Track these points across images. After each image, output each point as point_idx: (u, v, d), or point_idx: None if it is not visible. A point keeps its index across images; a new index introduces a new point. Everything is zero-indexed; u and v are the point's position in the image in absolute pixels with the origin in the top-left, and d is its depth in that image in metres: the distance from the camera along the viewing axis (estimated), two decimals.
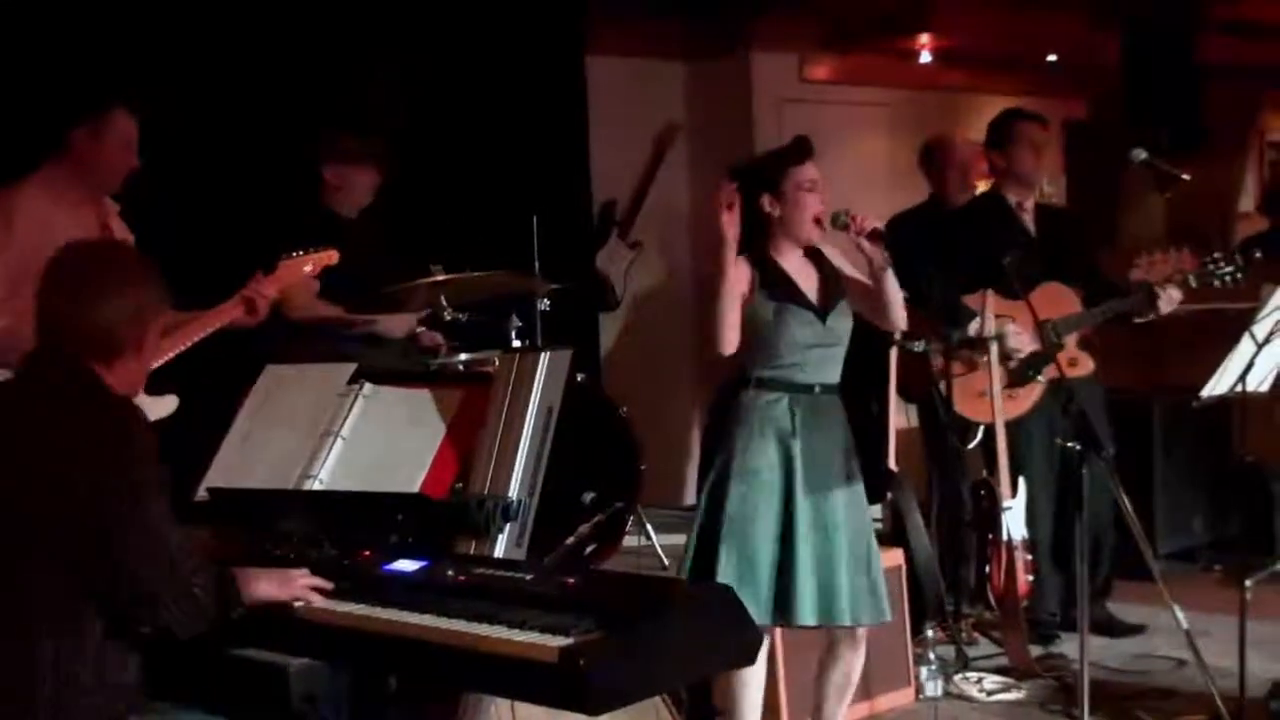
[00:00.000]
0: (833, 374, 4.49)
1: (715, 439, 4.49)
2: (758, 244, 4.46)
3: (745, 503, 4.35)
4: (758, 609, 4.27)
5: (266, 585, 3.21)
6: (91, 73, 5.88)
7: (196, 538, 3.46)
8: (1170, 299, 5.81)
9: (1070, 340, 5.98)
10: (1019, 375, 5.77)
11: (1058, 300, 5.96)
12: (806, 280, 4.48)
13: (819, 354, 4.44)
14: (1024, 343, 5.81)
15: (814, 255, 4.54)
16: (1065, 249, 6.14)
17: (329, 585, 3.27)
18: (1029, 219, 6.21)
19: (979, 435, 5.86)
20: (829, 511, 4.39)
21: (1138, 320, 5.94)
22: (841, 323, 4.49)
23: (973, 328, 5.76)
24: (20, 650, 2.91)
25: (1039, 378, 5.85)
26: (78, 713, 2.92)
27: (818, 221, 4.43)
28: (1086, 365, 6.06)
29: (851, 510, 4.45)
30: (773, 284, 4.41)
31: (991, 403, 5.72)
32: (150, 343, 3.14)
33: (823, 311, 4.43)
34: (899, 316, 4.52)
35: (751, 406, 4.41)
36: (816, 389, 4.44)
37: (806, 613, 4.32)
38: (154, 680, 3.17)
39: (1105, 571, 6.26)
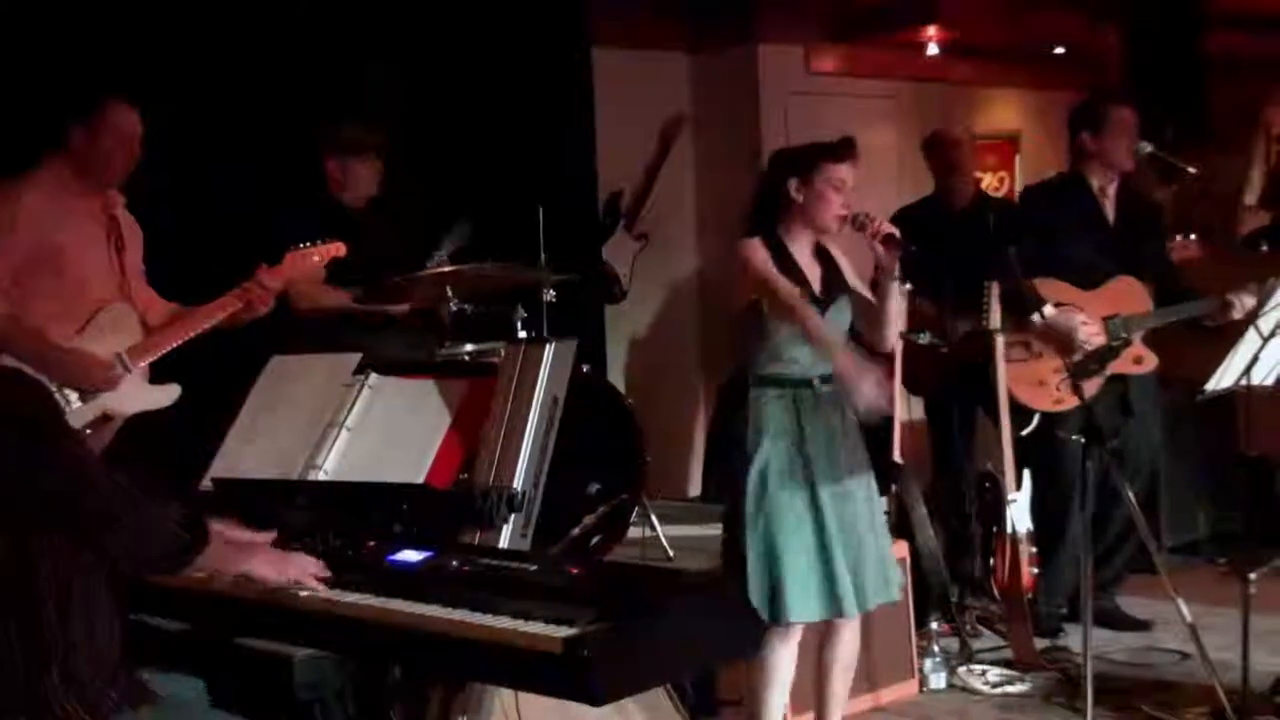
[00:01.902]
0: (828, 365, 4.49)
1: (724, 438, 4.48)
2: (773, 227, 4.46)
3: (766, 501, 4.34)
4: (810, 607, 4.32)
5: (265, 562, 3.22)
6: (92, 66, 5.88)
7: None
8: (1244, 306, 5.71)
9: (1138, 337, 5.91)
10: (1082, 369, 5.67)
11: (1130, 296, 5.92)
12: (812, 272, 4.49)
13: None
14: (1093, 336, 5.77)
15: (821, 253, 4.54)
16: (1143, 241, 6.08)
17: (328, 573, 3.27)
18: (1110, 206, 6.10)
19: (1034, 422, 5.83)
20: (850, 502, 4.41)
21: (1208, 324, 5.88)
22: (840, 318, 4.49)
23: (1043, 314, 5.73)
24: None
25: (1102, 373, 5.79)
26: (55, 695, 2.91)
27: (839, 219, 4.42)
28: (1152, 362, 6.00)
29: (868, 497, 4.49)
30: (784, 274, 4.39)
31: (996, 393, 5.72)
32: None
33: (824, 303, 4.44)
34: (893, 337, 4.57)
35: (756, 405, 4.41)
36: (815, 382, 4.45)
37: (851, 604, 4.36)
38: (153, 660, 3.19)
39: (1121, 563, 6.25)
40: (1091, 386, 5.78)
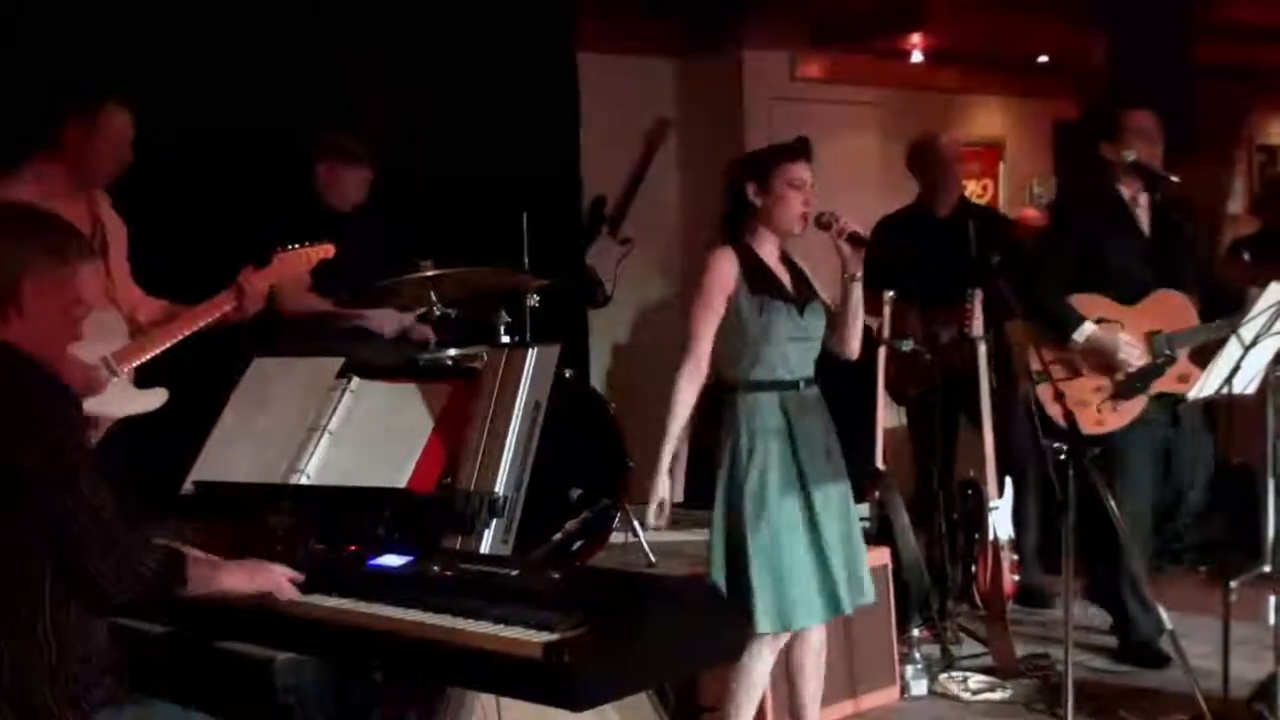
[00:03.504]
0: (811, 368, 4.50)
1: (714, 446, 4.45)
2: (740, 234, 4.46)
3: (765, 507, 4.32)
4: (815, 608, 4.32)
5: (237, 577, 3.21)
6: (86, 66, 5.87)
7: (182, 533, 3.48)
8: None
9: (1183, 354, 5.65)
10: (1126, 389, 5.55)
11: (1173, 311, 5.67)
12: (783, 275, 4.49)
13: (799, 348, 4.45)
14: (1133, 354, 5.58)
15: (786, 260, 4.54)
16: (1181, 251, 5.81)
17: (300, 576, 3.27)
18: (1144, 215, 5.85)
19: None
20: (829, 503, 4.41)
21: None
22: (816, 320, 4.49)
23: (1083, 332, 5.57)
24: None
25: (1146, 391, 5.60)
26: (43, 694, 2.92)
27: (802, 218, 4.42)
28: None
29: (846, 500, 4.48)
30: (755, 278, 4.40)
31: (980, 403, 5.73)
32: (35, 304, 3.06)
33: (800, 305, 4.44)
34: (856, 343, 4.56)
35: (746, 409, 4.39)
36: (801, 384, 4.45)
37: (847, 602, 4.37)
38: (137, 674, 3.18)
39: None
40: (1135, 405, 5.66)
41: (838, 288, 4.50)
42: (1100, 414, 5.61)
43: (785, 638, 4.45)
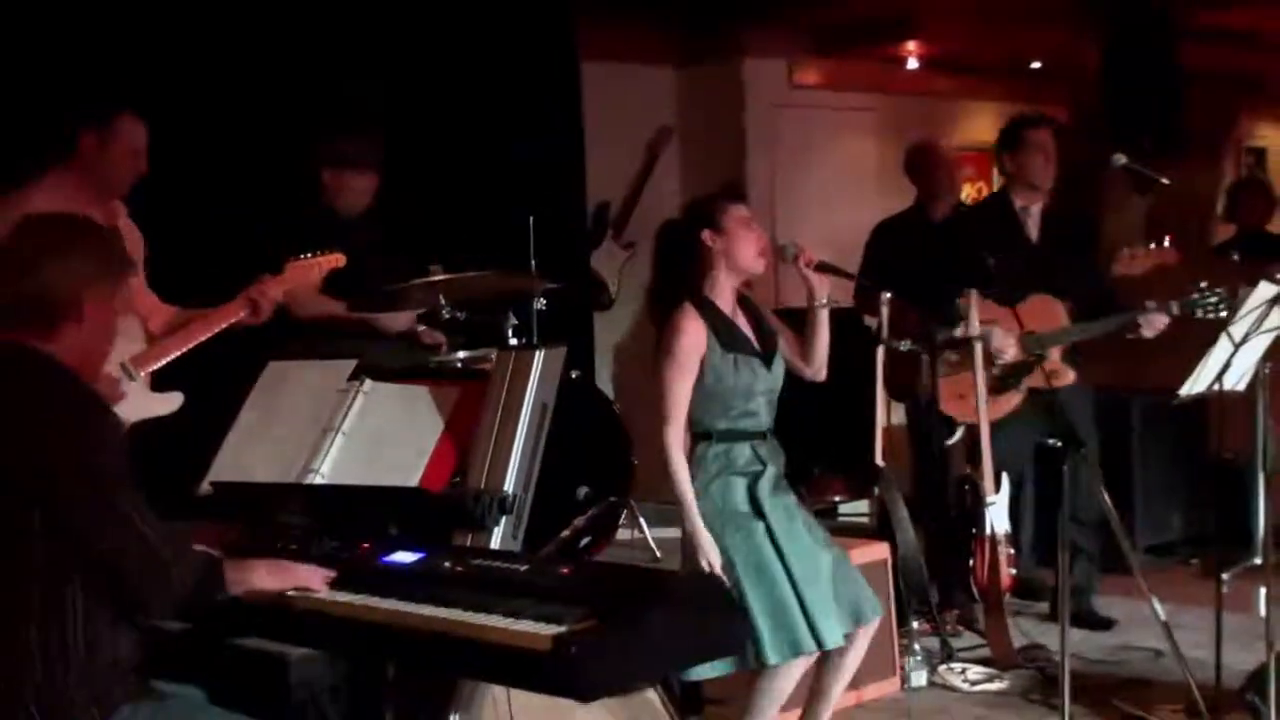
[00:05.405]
0: (772, 417, 4.51)
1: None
2: (697, 288, 4.43)
3: (750, 551, 4.31)
4: (801, 642, 4.26)
5: (266, 576, 3.27)
6: (98, 77, 5.93)
7: (194, 530, 3.53)
8: (1152, 324, 5.83)
9: (1054, 352, 5.99)
10: (999, 383, 5.83)
11: (1044, 313, 5.96)
12: (744, 327, 4.49)
13: (767, 401, 4.46)
14: (1008, 346, 5.88)
15: (743, 301, 4.54)
16: (1067, 256, 6.12)
17: (332, 574, 3.31)
18: (1033, 224, 6.18)
19: (958, 433, 5.96)
20: (806, 531, 4.42)
21: (1129, 336, 5.96)
22: (780, 370, 4.50)
23: (960, 330, 5.80)
24: (7, 632, 2.94)
25: (1019, 386, 5.92)
26: (68, 693, 2.96)
27: (760, 254, 4.45)
28: (1067, 377, 6.05)
29: (819, 530, 4.52)
30: (726, 335, 4.38)
31: (976, 402, 5.82)
32: (93, 314, 3.09)
33: (767, 359, 4.45)
34: (824, 364, 4.57)
35: (717, 458, 4.40)
36: (769, 434, 4.48)
37: (809, 643, 4.30)
38: (155, 669, 3.26)
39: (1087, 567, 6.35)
40: (1010, 401, 5.97)
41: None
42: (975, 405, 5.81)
43: (814, 656, 4.39)
